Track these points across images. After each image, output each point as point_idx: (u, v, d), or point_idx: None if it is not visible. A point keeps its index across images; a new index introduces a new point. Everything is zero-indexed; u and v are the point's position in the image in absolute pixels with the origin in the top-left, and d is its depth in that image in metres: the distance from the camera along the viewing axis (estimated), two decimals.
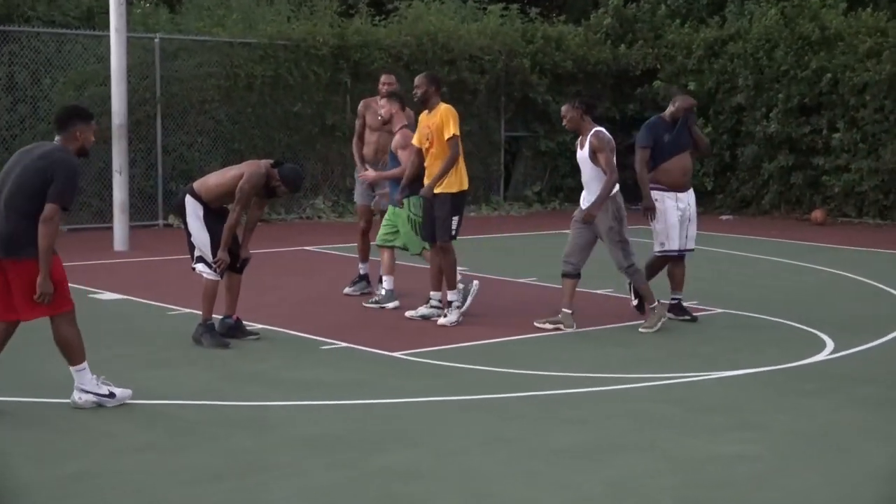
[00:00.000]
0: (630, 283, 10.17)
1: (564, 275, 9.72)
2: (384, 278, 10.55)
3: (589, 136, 9.55)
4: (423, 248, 10.20)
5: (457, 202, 9.72)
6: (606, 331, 9.80)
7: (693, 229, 10.24)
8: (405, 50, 19.22)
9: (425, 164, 9.72)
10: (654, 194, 10.08)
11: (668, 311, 10.02)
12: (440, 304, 10.03)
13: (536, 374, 8.17)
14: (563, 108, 9.62)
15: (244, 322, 9.17)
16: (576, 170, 21.03)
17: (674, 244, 10.10)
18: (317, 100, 18.42)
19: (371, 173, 10.63)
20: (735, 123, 20.44)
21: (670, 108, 10.20)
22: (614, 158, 9.57)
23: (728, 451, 6.39)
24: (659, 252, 10.18)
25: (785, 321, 10.17)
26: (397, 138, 10.29)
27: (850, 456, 6.36)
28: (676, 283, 10.28)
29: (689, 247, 10.23)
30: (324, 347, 8.91)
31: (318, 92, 18.43)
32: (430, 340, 9.15)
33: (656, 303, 9.77)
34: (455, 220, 9.70)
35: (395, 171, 10.22)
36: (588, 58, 21.46)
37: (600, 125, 9.64)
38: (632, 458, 6.22)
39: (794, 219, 19.36)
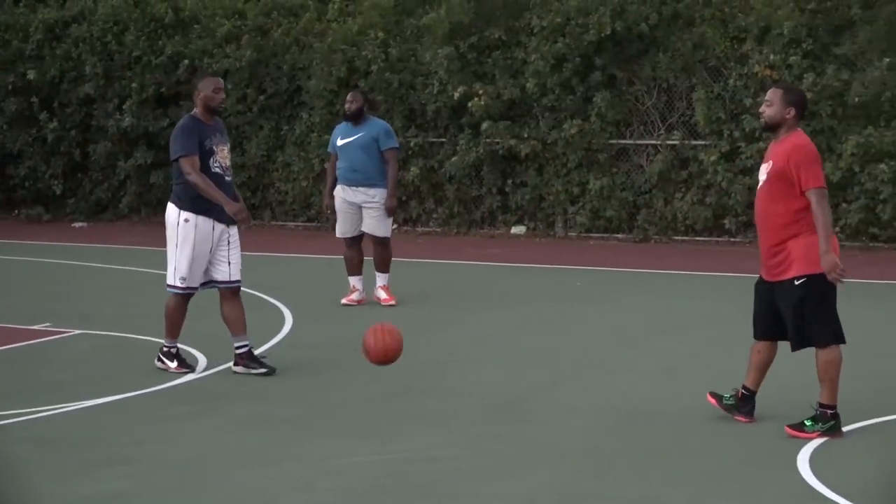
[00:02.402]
0: None
1: None
2: None
3: None
4: None
5: None
6: None
7: (238, 254, 9.42)
8: None
9: None
10: (185, 215, 9.12)
11: (236, 365, 9.29)
12: None
13: None
14: None
15: None
16: None
17: (195, 281, 9.27)
18: None
19: None
20: (84, 117, 20.54)
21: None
22: None
23: (99, 492, 6.56)
24: (176, 288, 9.27)
25: (151, 338, 10.29)
26: None
27: (226, 483, 6.75)
28: (234, 326, 9.36)
29: (235, 277, 9.34)
30: None
31: None
32: None
33: None
34: None
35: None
36: None
37: None
38: None
39: (157, 223, 19.78)
